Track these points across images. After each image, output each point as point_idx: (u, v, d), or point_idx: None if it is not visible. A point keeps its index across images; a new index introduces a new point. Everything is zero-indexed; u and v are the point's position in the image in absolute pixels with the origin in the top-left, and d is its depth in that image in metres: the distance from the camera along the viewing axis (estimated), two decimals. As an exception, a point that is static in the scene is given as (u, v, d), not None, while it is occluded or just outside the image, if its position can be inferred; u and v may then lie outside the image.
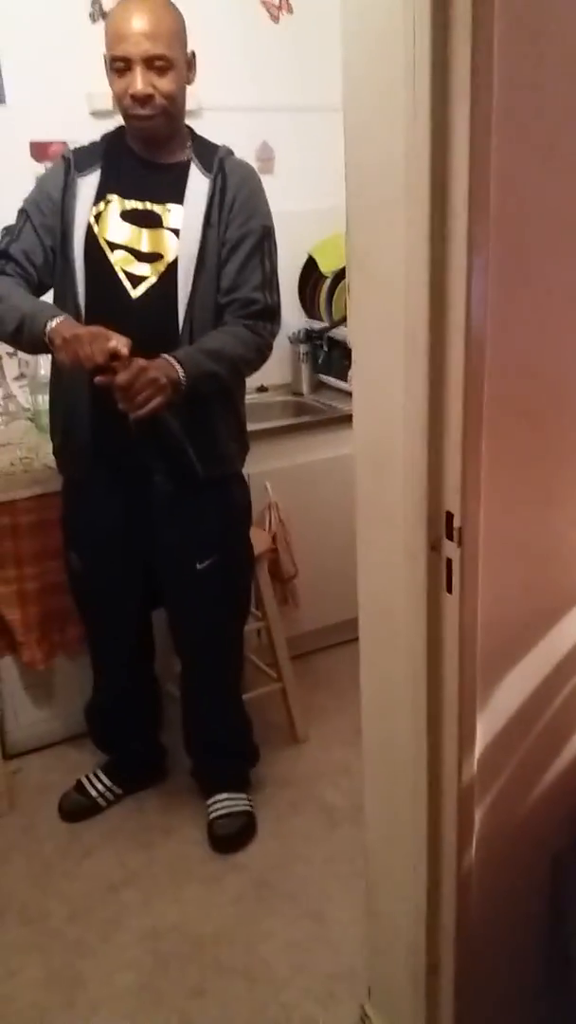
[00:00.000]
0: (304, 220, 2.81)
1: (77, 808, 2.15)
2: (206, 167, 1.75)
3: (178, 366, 1.64)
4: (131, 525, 1.89)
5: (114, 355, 1.55)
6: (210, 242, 1.73)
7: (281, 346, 2.91)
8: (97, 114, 2.46)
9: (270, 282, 1.78)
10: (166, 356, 1.64)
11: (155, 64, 1.62)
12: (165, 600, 2.02)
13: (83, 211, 1.74)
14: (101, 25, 2.49)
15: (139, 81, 1.62)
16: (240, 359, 1.75)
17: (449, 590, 1.09)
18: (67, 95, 2.41)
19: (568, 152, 0.96)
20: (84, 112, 2.45)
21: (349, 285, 1.16)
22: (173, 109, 1.69)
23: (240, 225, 1.74)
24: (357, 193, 1.10)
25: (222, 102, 2.63)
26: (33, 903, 1.91)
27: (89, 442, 1.81)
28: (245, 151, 2.73)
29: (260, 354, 1.79)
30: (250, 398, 2.83)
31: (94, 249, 1.73)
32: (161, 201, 1.74)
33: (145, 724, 2.19)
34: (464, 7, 0.86)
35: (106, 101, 2.47)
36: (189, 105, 2.56)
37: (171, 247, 1.72)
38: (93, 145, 1.81)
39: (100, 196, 1.74)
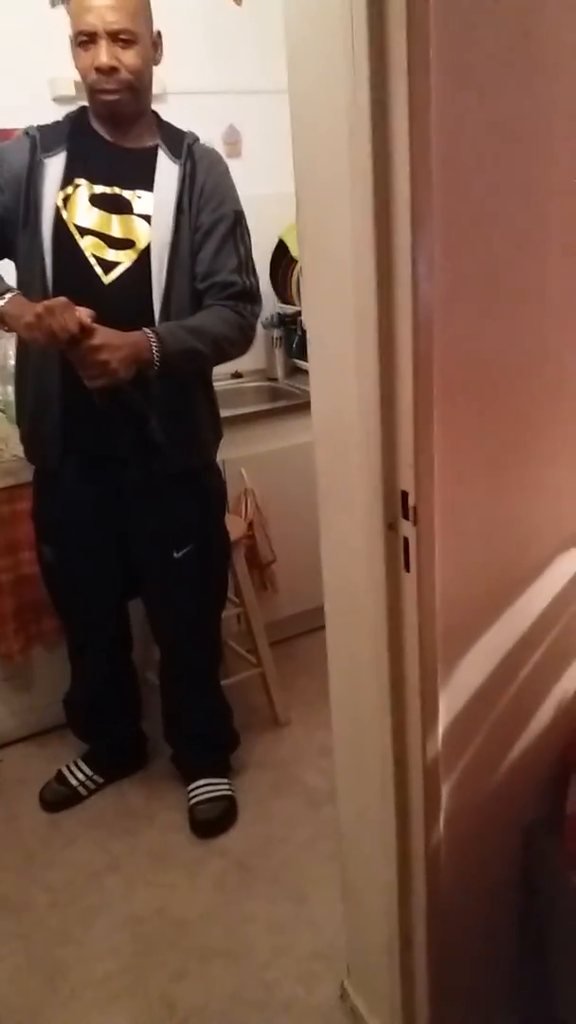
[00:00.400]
0: (273, 203, 2.77)
1: (58, 798, 2.16)
2: (175, 153, 1.74)
3: (154, 340, 1.63)
4: (104, 515, 1.88)
5: (82, 326, 1.53)
6: (183, 228, 1.72)
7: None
8: (60, 99, 2.44)
9: (246, 265, 1.78)
10: (146, 329, 1.63)
11: (120, 37, 1.61)
12: (142, 589, 2.02)
13: (50, 194, 1.70)
14: (61, 10, 2.47)
15: (103, 53, 1.61)
16: (223, 338, 1.74)
17: (407, 569, 1.09)
18: (29, 81, 2.39)
19: (510, 127, 0.96)
20: (47, 98, 2.43)
21: (302, 265, 1.16)
22: (139, 85, 1.68)
23: (212, 210, 1.73)
24: (305, 172, 1.10)
25: (187, 86, 2.61)
26: (15, 893, 1.92)
27: (59, 429, 1.79)
28: (212, 135, 2.72)
29: (243, 334, 1.78)
30: (225, 384, 2.85)
31: (62, 234, 1.70)
32: (130, 187, 1.72)
33: (125, 713, 2.20)
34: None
35: (69, 86, 2.46)
36: (155, 89, 2.55)
37: (142, 233, 1.71)
38: (57, 124, 1.77)
39: (67, 180, 1.72)
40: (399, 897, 1.28)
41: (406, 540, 1.07)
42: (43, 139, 1.73)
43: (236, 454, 2.50)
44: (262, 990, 1.66)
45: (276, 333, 2.84)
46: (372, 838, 1.32)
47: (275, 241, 2.85)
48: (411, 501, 1.04)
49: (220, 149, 2.73)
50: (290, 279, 2.84)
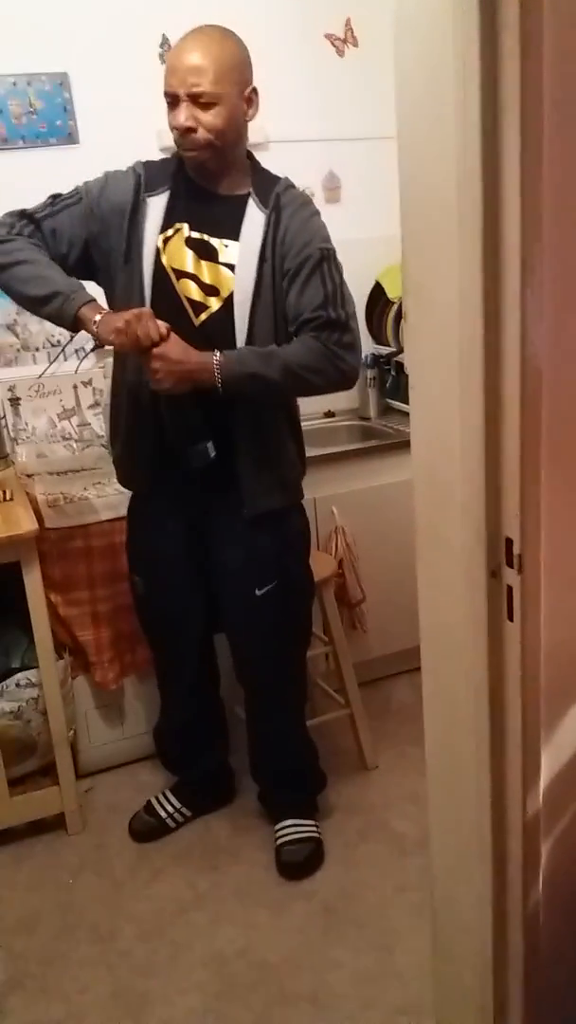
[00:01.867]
0: (371, 247, 2.82)
1: (147, 829, 2.18)
2: (263, 202, 1.75)
3: (217, 366, 1.66)
4: (190, 551, 1.92)
5: (161, 336, 1.64)
6: (265, 277, 1.73)
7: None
8: (166, 150, 2.53)
9: (333, 299, 1.73)
10: (217, 352, 1.67)
11: (199, 100, 1.63)
12: (225, 626, 2.04)
13: (151, 234, 1.75)
14: (171, 66, 2.60)
15: (182, 114, 1.64)
16: (299, 365, 1.71)
17: (510, 618, 1.07)
18: (137, 134, 2.50)
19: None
20: (154, 149, 2.53)
21: (405, 311, 1.17)
22: (220, 143, 1.68)
23: (296, 254, 1.72)
24: (411, 220, 1.11)
25: (289, 134, 2.69)
26: (103, 922, 1.94)
27: (150, 450, 1.83)
28: (312, 181, 2.79)
29: (329, 362, 1.73)
30: (317, 423, 2.87)
31: (160, 274, 1.75)
32: (218, 235, 1.74)
33: (212, 747, 2.21)
34: (512, 40, 0.87)
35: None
36: (256, 138, 2.63)
37: (226, 281, 1.74)
38: (164, 163, 1.81)
39: (168, 222, 1.75)
40: (494, 960, 1.23)
41: (510, 589, 1.05)
42: (148, 177, 1.77)
43: (327, 492, 2.51)
44: (347, 1042, 1.62)
45: (370, 373, 2.85)
46: (466, 895, 1.28)
47: (372, 284, 2.88)
48: (516, 549, 1.03)
49: (320, 195, 2.82)
50: (385, 320, 2.85)
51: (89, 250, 1.79)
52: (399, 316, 2.78)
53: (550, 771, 1.13)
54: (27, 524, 1.98)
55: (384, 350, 2.88)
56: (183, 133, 1.67)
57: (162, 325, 1.64)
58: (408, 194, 1.11)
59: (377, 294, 2.88)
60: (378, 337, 2.92)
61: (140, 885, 2.04)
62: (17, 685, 2.12)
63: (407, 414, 1.28)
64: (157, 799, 2.22)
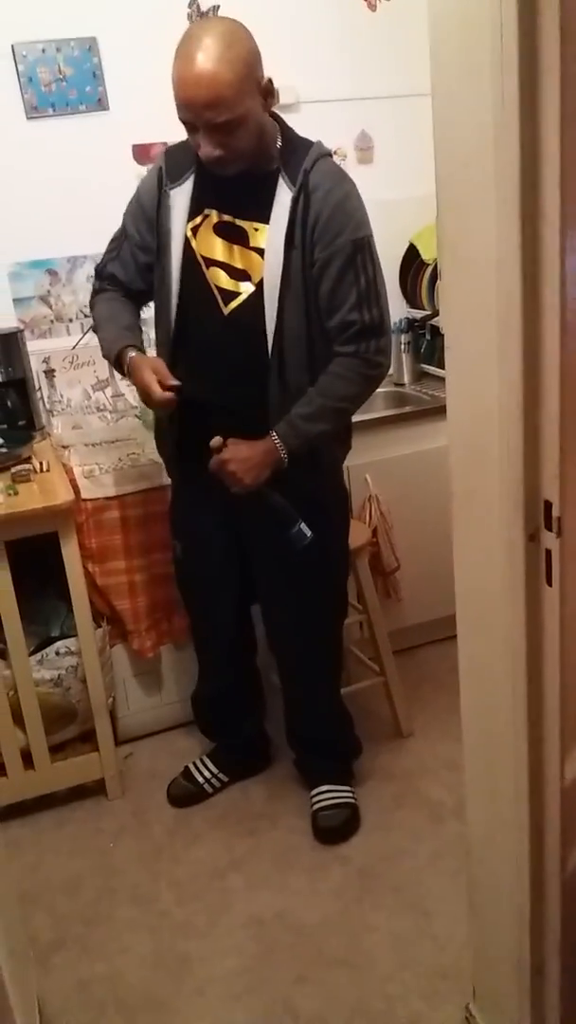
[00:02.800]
0: (405, 208, 2.77)
1: (185, 794, 2.21)
2: (292, 179, 1.65)
3: (279, 443, 1.70)
4: (226, 520, 1.93)
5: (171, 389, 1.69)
6: (293, 264, 1.66)
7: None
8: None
9: (367, 297, 1.69)
10: (272, 434, 1.70)
11: (220, 128, 1.53)
12: (259, 593, 2.04)
13: (179, 224, 1.72)
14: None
15: (206, 144, 1.56)
16: (344, 399, 1.75)
17: (549, 582, 1.05)
18: (168, 99, 2.46)
19: None
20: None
21: (441, 270, 1.14)
22: (249, 152, 1.61)
23: (326, 245, 1.65)
24: (447, 177, 1.08)
25: (320, 94, 2.63)
26: (143, 884, 1.98)
27: (176, 455, 1.91)
28: (344, 141, 2.74)
29: (368, 380, 1.76)
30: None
31: (190, 263, 1.72)
32: (248, 218, 1.69)
33: (249, 713, 2.23)
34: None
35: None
36: (287, 99, 2.59)
37: (256, 267, 1.69)
38: (188, 145, 1.72)
39: (197, 209, 1.71)
40: (531, 924, 1.23)
41: (548, 552, 1.03)
42: (170, 167, 1.74)
43: (361, 460, 2.48)
44: (384, 1004, 1.64)
45: (404, 338, 2.81)
46: (503, 860, 1.28)
47: (406, 246, 2.83)
48: (555, 511, 1.01)
49: (352, 156, 2.77)
50: (420, 283, 2.80)
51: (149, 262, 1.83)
52: (434, 278, 2.72)
53: (589, 737, 1.12)
54: (64, 495, 2.00)
55: (419, 313, 2.83)
56: (212, 162, 1.59)
57: (161, 373, 1.68)
58: (443, 150, 1.08)
59: (411, 256, 2.83)
60: (412, 300, 2.87)
61: (179, 849, 2.07)
62: (57, 653, 2.15)
63: (442, 379, 1.25)
64: (195, 765, 2.25)
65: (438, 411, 2.51)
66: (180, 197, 1.72)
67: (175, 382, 1.68)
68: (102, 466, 2.26)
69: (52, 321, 2.55)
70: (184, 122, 1.57)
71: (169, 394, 1.67)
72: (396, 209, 2.80)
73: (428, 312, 2.77)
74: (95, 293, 1.92)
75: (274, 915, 1.86)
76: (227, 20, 1.59)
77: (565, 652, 1.06)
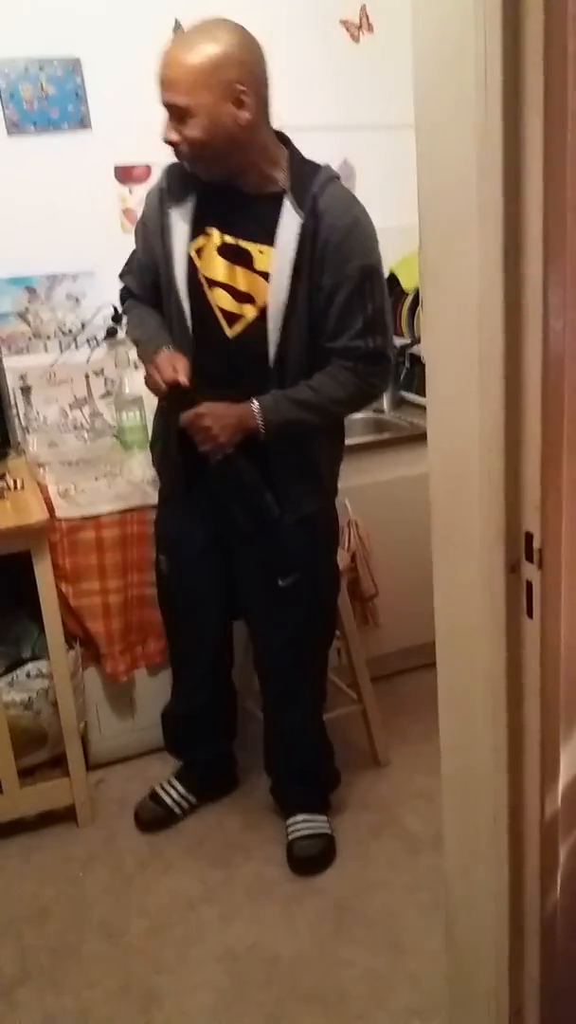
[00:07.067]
0: (385, 237, 2.74)
1: (153, 818, 2.17)
2: (299, 203, 1.64)
3: (258, 411, 1.69)
4: (218, 535, 1.91)
5: (177, 384, 1.68)
6: (300, 291, 1.65)
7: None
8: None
9: (372, 325, 1.68)
10: (253, 400, 1.69)
11: (175, 113, 1.58)
12: (246, 614, 2.02)
13: (181, 244, 1.71)
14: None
15: (164, 128, 1.61)
16: (332, 401, 1.73)
17: (530, 614, 1.04)
18: (151, 119, 2.46)
19: None
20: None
21: (423, 300, 1.14)
22: (204, 153, 1.60)
23: (334, 272, 1.64)
24: (429, 207, 1.08)
25: (302, 122, 2.63)
26: (113, 915, 1.93)
27: (180, 465, 1.87)
28: (326, 169, 2.75)
29: (361, 393, 1.75)
30: (331, 414, 2.84)
31: (195, 285, 1.72)
32: (253, 240, 1.67)
33: (219, 732, 2.21)
34: (536, 20, 0.83)
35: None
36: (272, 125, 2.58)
37: (260, 291, 1.67)
38: None
39: (199, 229, 1.70)
40: (510, 964, 1.21)
41: (529, 584, 1.02)
42: (170, 186, 1.74)
43: (341, 485, 2.47)
44: (358, 1042, 1.60)
45: (385, 363, 2.81)
46: (482, 896, 1.26)
47: (386, 274, 2.84)
48: (536, 543, 1.00)
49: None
50: (400, 311, 2.81)
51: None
52: (414, 307, 2.74)
53: (569, 771, 1.11)
54: (38, 514, 1.96)
55: (398, 341, 2.83)
56: (171, 146, 1.63)
57: (181, 373, 1.67)
58: (426, 181, 1.08)
59: (390, 285, 2.84)
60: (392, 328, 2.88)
61: (150, 879, 2.03)
62: (27, 676, 2.10)
63: (422, 407, 1.25)
64: (162, 787, 2.23)
65: (418, 438, 2.51)
66: (182, 216, 1.72)
67: (184, 379, 1.68)
68: (78, 485, 2.23)
69: (30, 338, 2.52)
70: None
71: (166, 385, 1.69)
72: (378, 238, 2.82)
73: (408, 340, 2.78)
74: (122, 299, 1.99)
75: (247, 948, 1.82)
76: (232, 24, 1.59)
77: (545, 685, 1.05)
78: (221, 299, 1.71)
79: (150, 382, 1.75)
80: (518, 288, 0.94)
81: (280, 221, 1.65)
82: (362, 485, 2.49)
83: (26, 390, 2.53)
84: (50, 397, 2.55)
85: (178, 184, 1.73)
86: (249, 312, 1.70)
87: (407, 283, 2.75)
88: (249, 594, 1.97)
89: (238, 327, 1.71)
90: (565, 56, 0.85)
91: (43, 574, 1.98)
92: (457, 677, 1.24)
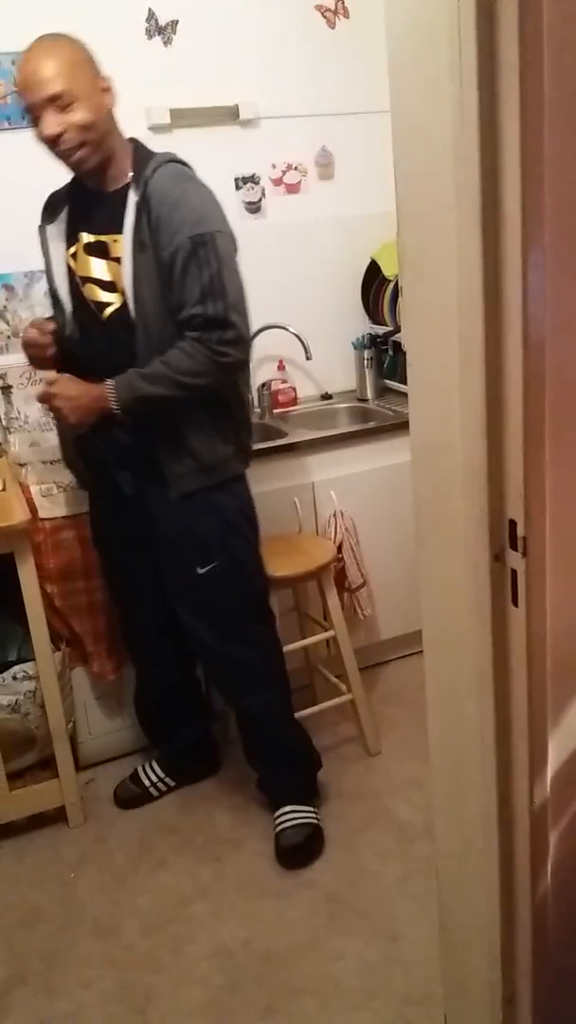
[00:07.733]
0: (366, 224, 2.78)
1: (130, 796, 2.25)
2: (137, 187, 1.74)
3: (110, 390, 1.75)
4: (135, 525, 1.94)
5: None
6: (142, 267, 1.72)
7: (345, 352, 2.89)
8: (155, 128, 2.48)
9: (211, 291, 1.71)
10: (107, 381, 1.76)
11: (60, 102, 1.64)
12: (174, 602, 1.99)
13: (58, 255, 1.86)
14: (157, 40, 2.53)
15: (48, 123, 1.66)
16: (186, 373, 1.74)
17: (515, 603, 1.03)
18: (124, 112, 2.44)
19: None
20: (143, 127, 2.47)
21: (402, 287, 1.13)
22: (95, 135, 1.70)
23: (166, 244, 1.70)
24: (407, 194, 1.06)
25: (280, 110, 2.62)
26: (106, 916, 1.92)
27: (76, 456, 2.00)
28: (304, 157, 2.74)
29: (213, 363, 1.74)
30: (314, 405, 2.83)
31: (75, 287, 1.85)
32: (108, 232, 1.77)
33: (189, 719, 2.24)
34: (510, 1, 0.82)
35: (164, 115, 2.51)
36: (247, 114, 2.57)
37: (119, 275, 1.77)
38: (66, 185, 1.88)
39: (72, 235, 1.84)
40: (502, 951, 1.21)
41: (514, 572, 1.02)
42: (46, 211, 1.89)
43: (326, 475, 2.47)
44: (353, 1033, 1.60)
45: (367, 354, 2.80)
46: (472, 885, 1.25)
47: (367, 262, 2.83)
48: (520, 531, 0.99)
49: (312, 171, 2.76)
50: (381, 299, 2.80)
51: None
52: (395, 294, 2.73)
53: (558, 759, 1.10)
54: (20, 514, 1.94)
55: (381, 329, 2.83)
56: (55, 141, 1.68)
57: (49, 374, 1.82)
58: (403, 167, 1.06)
59: (373, 272, 2.83)
60: (375, 316, 2.87)
61: (142, 878, 2.02)
62: (14, 678, 2.09)
63: (405, 395, 1.24)
64: (143, 768, 2.27)
65: (401, 426, 2.51)
66: (56, 233, 1.86)
67: (51, 326, 1.84)
68: (60, 484, 2.21)
69: (9, 337, 2.50)
70: (29, 112, 1.69)
71: (47, 339, 1.82)
72: (357, 225, 2.80)
73: (390, 328, 2.77)
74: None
75: (240, 944, 1.82)
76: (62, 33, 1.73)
77: (532, 673, 1.04)
78: (92, 292, 1.81)
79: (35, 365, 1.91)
80: (497, 273, 0.93)
81: (126, 209, 1.74)
82: (347, 475, 2.49)
83: (6, 389, 2.50)
84: (30, 396, 2.52)
85: (52, 206, 1.89)
86: (116, 299, 1.79)
87: (388, 270, 2.73)
88: (171, 584, 1.97)
89: (107, 313, 1.81)
90: (540, 39, 0.83)
91: (27, 575, 1.96)
92: (444, 667, 1.23)
